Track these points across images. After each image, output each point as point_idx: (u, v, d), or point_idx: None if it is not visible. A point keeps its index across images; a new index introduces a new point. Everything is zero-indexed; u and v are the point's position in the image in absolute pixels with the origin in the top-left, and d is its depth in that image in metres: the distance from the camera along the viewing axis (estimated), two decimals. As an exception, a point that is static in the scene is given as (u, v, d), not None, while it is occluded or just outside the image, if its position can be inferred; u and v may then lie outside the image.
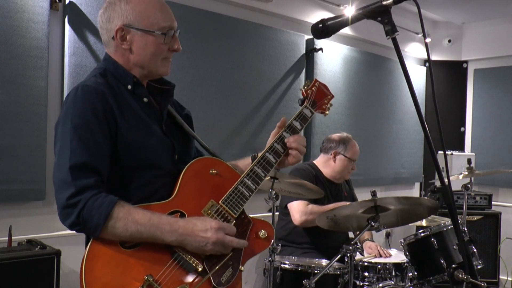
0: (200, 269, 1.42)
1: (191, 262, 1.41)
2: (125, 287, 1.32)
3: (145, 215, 1.37)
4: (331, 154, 3.30)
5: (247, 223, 1.56)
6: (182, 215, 1.46)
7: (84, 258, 1.32)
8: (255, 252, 1.56)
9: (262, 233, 1.57)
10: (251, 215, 1.58)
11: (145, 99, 1.54)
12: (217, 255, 1.45)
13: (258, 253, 1.58)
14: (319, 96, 1.77)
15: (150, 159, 1.49)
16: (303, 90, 1.76)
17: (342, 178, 3.37)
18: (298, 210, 3.09)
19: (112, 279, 1.32)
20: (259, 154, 1.63)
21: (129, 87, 1.52)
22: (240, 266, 1.50)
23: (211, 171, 1.55)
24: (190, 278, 1.41)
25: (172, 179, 1.52)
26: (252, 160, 1.63)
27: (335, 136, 3.38)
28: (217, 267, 1.44)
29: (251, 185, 1.56)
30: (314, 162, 3.39)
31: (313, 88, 1.76)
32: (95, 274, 1.30)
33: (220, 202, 1.52)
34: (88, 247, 1.34)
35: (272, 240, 1.60)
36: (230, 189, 1.54)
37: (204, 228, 1.40)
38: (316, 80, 1.79)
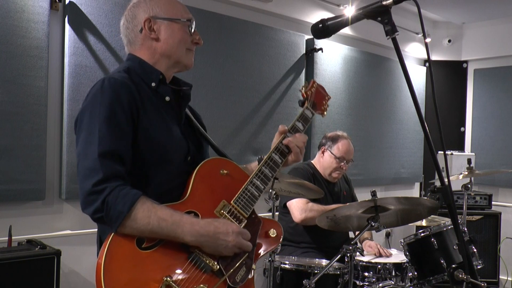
0: (216, 269, 1.43)
1: (207, 262, 1.42)
2: None
3: (168, 212, 1.39)
4: (321, 150, 3.32)
5: (258, 222, 1.59)
6: (196, 216, 1.47)
7: (102, 260, 1.29)
8: (265, 251, 1.60)
9: (272, 231, 1.61)
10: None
11: (167, 98, 1.57)
12: (230, 255, 1.48)
13: (269, 251, 1.62)
14: (318, 97, 1.81)
15: (166, 157, 1.50)
16: (303, 92, 1.79)
17: (329, 175, 3.28)
18: (298, 207, 3.08)
19: (130, 280, 1.31)
20: (266, 155, 1.65)
21: (153, 84, 1.54)
22: (253, 265, 1.53)
23: (221, 172, 1.58)
24: (207, 278, 1.41)
25: (183, 180, 1.54)
26: (259, 162, 1.66)
27: (330, 133, 3.39)
28: (233, 268, 1.46)
29: (260, 185, 1.59)
30: (312, 161, 3.40)
31: (312, 89, 1.80)
32: (114, 276, 1.29)
33: (231, 202, 1.54)
34: (105, 249, 1.32)
35: (281, 239, 1.63)
36: (241, 189, 1.56)
37: (225, 231, 1.43)
38: (314, 81, 1.83)
